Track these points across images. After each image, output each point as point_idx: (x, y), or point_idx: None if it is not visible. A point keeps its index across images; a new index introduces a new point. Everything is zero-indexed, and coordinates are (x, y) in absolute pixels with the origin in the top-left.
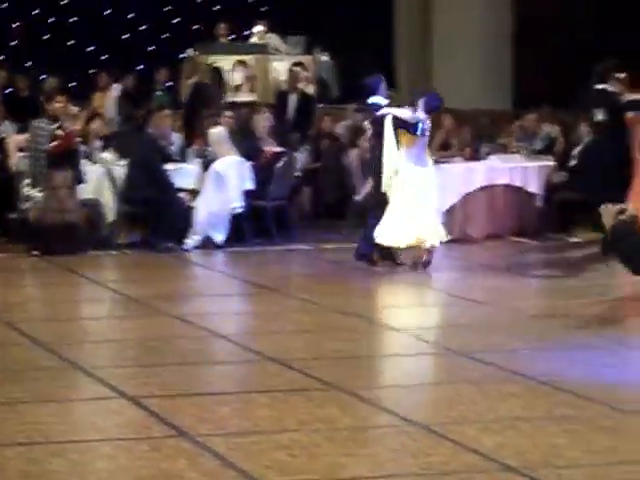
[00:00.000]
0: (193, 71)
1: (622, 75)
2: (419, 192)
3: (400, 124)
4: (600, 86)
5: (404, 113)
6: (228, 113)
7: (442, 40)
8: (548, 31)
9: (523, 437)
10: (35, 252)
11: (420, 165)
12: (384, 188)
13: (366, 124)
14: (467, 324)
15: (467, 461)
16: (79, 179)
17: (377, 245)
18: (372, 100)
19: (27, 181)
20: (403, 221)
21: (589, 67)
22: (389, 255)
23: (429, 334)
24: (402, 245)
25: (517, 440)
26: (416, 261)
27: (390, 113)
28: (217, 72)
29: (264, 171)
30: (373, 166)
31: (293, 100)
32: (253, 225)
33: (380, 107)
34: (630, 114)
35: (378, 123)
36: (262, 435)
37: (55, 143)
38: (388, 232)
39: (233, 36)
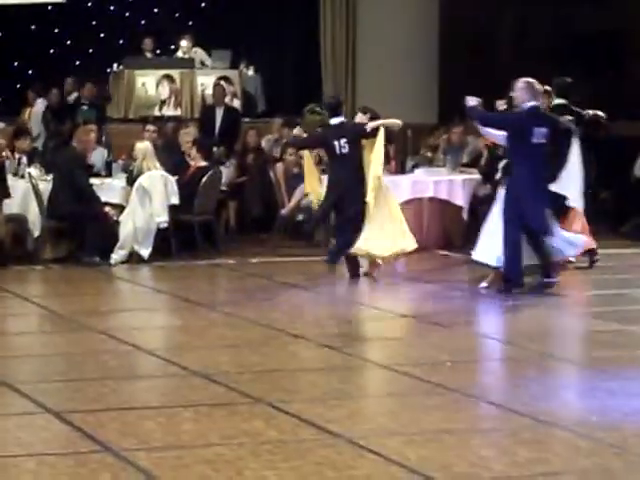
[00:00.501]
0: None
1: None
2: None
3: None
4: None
5: (392, 122)
6: (152, 127)
7: (368, 54)
8: (473, 46)
9: (447, 450)
10: None
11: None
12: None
13: (343, 142)
14: (391, 337)
15: (391, 474)
16: (5, 194)
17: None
18: (339, 120)
19: None
20: (386, 231)
21: (510, 82)
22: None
23: (353, 347)
24: (386, 254)
25: (441, 453)
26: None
27: (380, 125)
28: None
29: (189, 186)
30: (359, 178)
31: (219, 114)
32: (179, 239)
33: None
34: None
35: (370, 137)
36: (186, 449)
37: None
38: (379, 241)
39: (159, 51)
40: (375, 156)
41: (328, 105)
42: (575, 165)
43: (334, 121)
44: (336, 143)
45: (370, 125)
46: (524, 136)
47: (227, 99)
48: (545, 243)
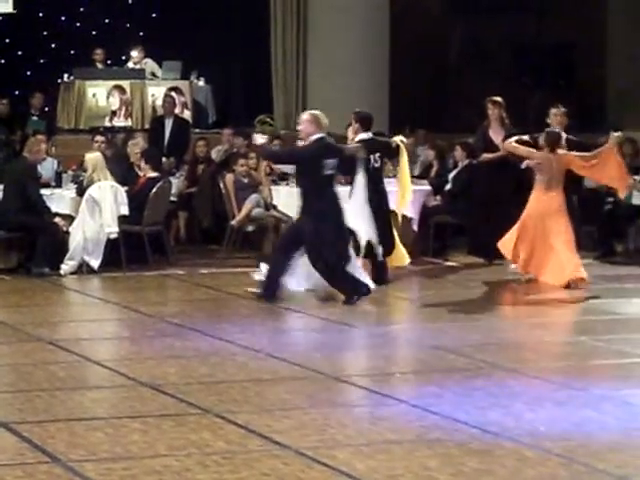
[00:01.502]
0: None
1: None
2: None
3: None
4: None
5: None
6: (101, 138)
7: (318, 65)
8: (423, 59)
9: (395, 460)
10: None
11: None
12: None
13: (377, 156)
14: (339, 348)
15: None
16: None
17: None
18: (369, 135)
19: None
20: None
21: (460, 93)
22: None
23: (301, 358)
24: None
25: (389, 463)
26: None
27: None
28: None
29: (139, 196)
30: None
31: (169, 125)
32: (129, 250)
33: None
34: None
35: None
36: (134, 460)
37: None
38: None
39: (110, 61)
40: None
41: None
42: (360, 196)
43: (366, 136)
44: (371, 157)
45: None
46: (315, 169)
47: (177, 110)
48: (341, 272)
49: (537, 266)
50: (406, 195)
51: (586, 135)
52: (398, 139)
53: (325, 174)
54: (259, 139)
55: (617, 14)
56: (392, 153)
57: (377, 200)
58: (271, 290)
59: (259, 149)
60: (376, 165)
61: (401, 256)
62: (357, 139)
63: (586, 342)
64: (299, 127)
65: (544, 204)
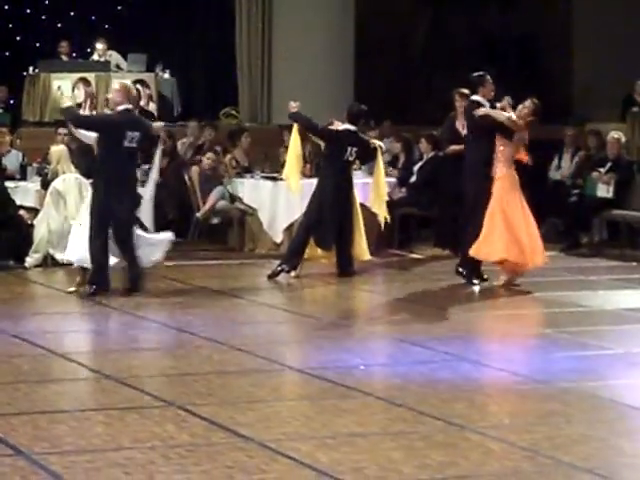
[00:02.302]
0: None
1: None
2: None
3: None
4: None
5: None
6: (64, 131)
7: (283, 58)
8: (388, 52)
9: (359, 453)
10: None
11: None
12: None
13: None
14: (304, 340)
15: (303, 477)
16: None
17: None
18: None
19: None
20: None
21: (426, 85)
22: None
23: (266, 351)
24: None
25: (353, 456)
26: None
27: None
28: None
29: None
30: None
31: None
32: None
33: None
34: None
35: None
36: (98, 453)
37: None
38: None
39: (75, 54)
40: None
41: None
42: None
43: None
44: (348, 149)
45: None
46: (117, 139)
47: (142, 102)
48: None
49: (532, 253)
50: (382, 199)
51: (552, 127)
52: (378, 143)
53: (126, 146)
54: (66, 103)
55: (582, 6)
56: (368, 152)
57: (346, 189)
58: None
59: (66, 113)
60: (350, 158)
61: (361, 251)
62: (340, 127)
63: (551, 334)
64: (109, 96)
65: (514, 182)
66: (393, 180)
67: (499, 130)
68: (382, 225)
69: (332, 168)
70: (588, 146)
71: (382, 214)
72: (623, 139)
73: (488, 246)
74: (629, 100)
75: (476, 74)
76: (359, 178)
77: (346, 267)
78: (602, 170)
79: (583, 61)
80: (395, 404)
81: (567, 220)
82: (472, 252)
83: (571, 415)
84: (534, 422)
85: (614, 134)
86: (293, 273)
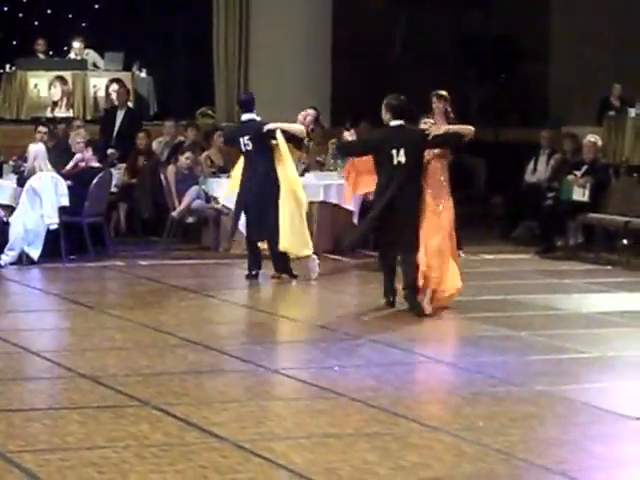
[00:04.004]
0: None
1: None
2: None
3: (289, 138)
4: None
5: (292, 127)
6: (43, 129)
7: (260, 57)
8: (366, 51)
9: (333, 454)
10: None
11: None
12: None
13: (246, 139)
14: (279, 341)
15: (277, 478)
16: None
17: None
18: (248, 117)
19: None
20: (305, 231)
21: (403, 86)
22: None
23: (241, 351)
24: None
25: (327, 457)
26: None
27: (278, 128)
28: None
29: (80, 187)
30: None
31: (120, 116)
32: (69, 241)
33: (254, 123)
34: None
35: (267, 137)
36: (71, 452)
37: None
38: (294, 242)
39: (51, 52)
40: (283, 158)
41: (239, 101)
42: None
43: (244, 117)
44: (240, 140)
45: (267, 126)
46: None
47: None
48: None
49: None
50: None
51: (529, 130)
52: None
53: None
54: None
55: (560, 9)
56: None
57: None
58: None
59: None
60: (248, 148)
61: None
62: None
63: (525, 337)
64: None
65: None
66: None
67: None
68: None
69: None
70: (564, 149)
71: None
72: (599, 142)
73: None
74: (606, 104)
75: None
76: (332, 179)
77: (276, 268)
78: (578, 173)
79: (560, 64)
80: (369, 405)
81: (542, 223)
82: None
83: (545, 418)
84: (508, 425)
85: (590, 137)
86: (271, 273)
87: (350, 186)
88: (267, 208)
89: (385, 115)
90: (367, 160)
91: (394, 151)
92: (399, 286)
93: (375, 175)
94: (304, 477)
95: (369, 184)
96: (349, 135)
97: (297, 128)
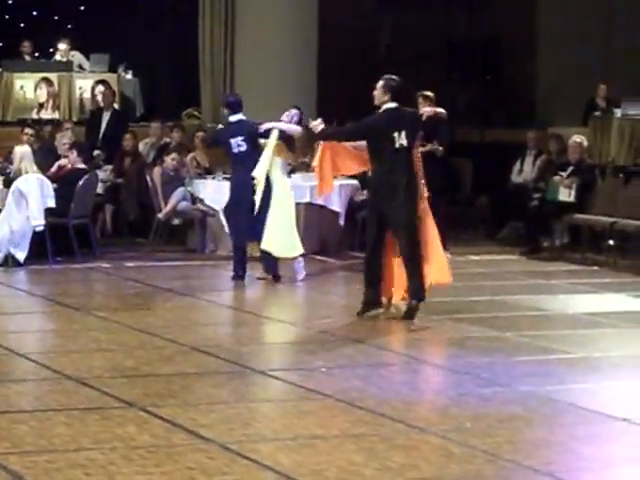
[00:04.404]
0: None
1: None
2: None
3: (285, 138)
4: None
5: (291, 128)
6: (30, 131)
7: (246, 57)
8: (351, 50)
9: (320, 455)
10: None
11: (288, 177)
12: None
13: (240, 140)
14: (266, 342)
15: (263, 479)
16: None
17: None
18: (238, 117)
19: None
20: (292, 232)
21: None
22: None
23: (228, 352)
24: (291, 256)
25: (314, 458)
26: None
27: (275, 127)
28: None
29: (66, 188)
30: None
31: (106, 118)
32: (55, 243)
33: (245, 123)
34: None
35: (262, 137)
36: (58, 454)
37: None
38: (281, 243)
39: (37, 54)
40: (262, 157)
41: (227, 103)
42: None
43: (232, 119)
44: (232, 141)
45: (263, 126)
46: None
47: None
48: None
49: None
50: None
51: (515, 131)
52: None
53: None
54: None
55: (546, 10)
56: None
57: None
58: None
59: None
60: (241, 149)
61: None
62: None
63: (511, 338)
64: None
65: None
66: (355, 182)
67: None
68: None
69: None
70: (549, 150)
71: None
72: (585, 143)
73: None
74: (591, 104)
75: None
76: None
77: (266, 268)
78: (564, 174)
79: (546, 65)
80: (356, 406)
81: (528, 224)
82: None
83: (532, 419)
84: (495, 426)
85: (576, 138)
86: (258, 274)
87: (327, 169)
88: (260, 209)
89: (383, 96)
90: (346, 145)
91: (395, 134)
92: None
93: (356, 160)
94: (291, 478)
95: (351, 168)
96: (319, 124)
97: (295, 129)
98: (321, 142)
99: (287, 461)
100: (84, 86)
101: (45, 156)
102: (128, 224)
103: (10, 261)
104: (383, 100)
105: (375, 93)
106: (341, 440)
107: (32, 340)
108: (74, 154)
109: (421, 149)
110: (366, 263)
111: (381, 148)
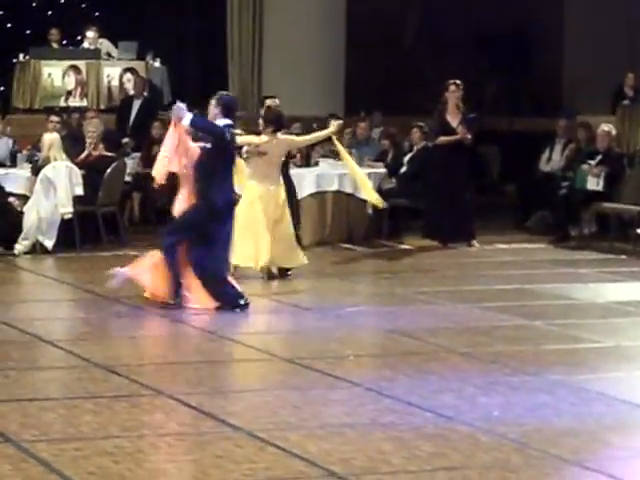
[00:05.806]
0: None
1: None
2: (266, 210)
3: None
4: None
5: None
6: (56, 118)
7: (274, 46)
8: (379, 43)
9: (348, 443)
10: None
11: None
12: None
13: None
14: (294, 330)
15: (291, 467)
16: None
17: None
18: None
19: None
20: (257, 242)
21: (416, 76)
22: None
23: (255, 340)
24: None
25: (342, 446)
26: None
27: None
28: None
29: (94, 176)
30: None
31: (136, 106)
32: (83, 231)
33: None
34: None
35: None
36: (86, 441)
37: None
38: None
39: (65, 41)
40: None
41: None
42: None
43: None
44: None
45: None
46: None
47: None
48: None
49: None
50: (367, 186)
51: (543, 120)
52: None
53: None
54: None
55: (574, 1)
56: None
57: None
58: None
59: None
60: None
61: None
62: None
63: (540, 327)
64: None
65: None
66: (383, 170)
67: None
68: (373, 208)
69: None
70: (578, 139)
71: (372, 197)
72: (613, 132)
73: None
74: (619, 93)
75: None
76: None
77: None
78: (592, 163)
79: (574, 54)
80: (384, 395)
81: (557, 212)
82: None
83: (560, 408)
84: (523, 414)
85: (604, 127)
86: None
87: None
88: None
89: None
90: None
91: None
92: None
93: None
94: (319, 466)
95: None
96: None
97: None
98: None
99: (315, 449)
100: (112, 74)
101: (72, 144)
102: (156, 212)
103: (38, 249)
104: None
105: None
106: (369, 428)
107: (60, 327)
108: (101, 142)
109: (449, 138)
110: None
111: None
